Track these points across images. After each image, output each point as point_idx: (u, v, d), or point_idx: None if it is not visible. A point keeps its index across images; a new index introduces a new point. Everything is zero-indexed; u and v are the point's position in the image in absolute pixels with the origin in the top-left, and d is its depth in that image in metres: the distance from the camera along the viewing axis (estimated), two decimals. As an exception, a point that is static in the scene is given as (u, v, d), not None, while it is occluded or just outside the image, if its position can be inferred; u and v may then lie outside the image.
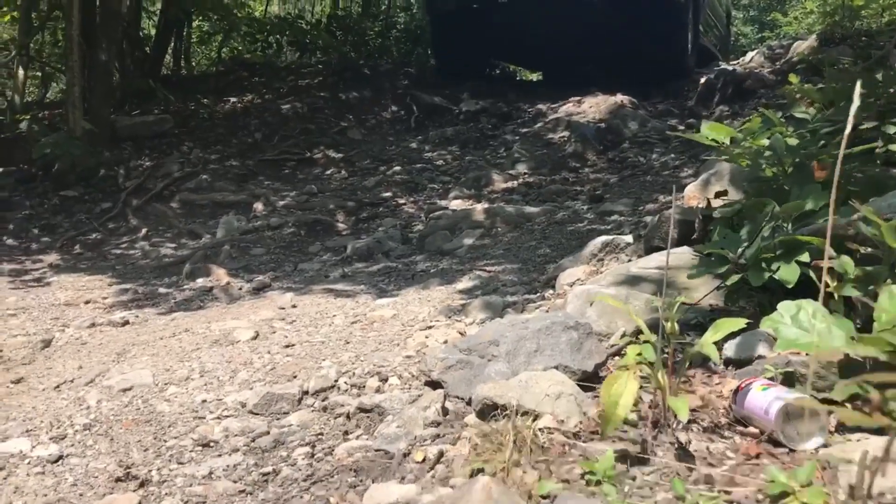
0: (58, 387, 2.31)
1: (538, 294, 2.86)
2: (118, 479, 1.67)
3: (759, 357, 1.74)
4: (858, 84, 1.41)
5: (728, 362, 1.80)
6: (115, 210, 5.19)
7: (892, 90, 2.86)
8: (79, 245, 4.79)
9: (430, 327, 2.59)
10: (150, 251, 4.56)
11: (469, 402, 1.70)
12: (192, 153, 5.99)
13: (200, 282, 3.79)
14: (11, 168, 5.93)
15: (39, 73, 9.01)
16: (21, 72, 7.26)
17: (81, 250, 4.71)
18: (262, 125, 6.53)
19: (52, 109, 7.36)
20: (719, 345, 1.68)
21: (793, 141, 2.29)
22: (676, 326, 1.38)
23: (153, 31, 8.57)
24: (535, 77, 10.31)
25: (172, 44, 8.69)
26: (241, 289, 3.56)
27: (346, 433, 1.80)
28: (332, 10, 10.51)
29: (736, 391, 1.49)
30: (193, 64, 10.03)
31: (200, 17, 9.12)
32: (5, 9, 7.79)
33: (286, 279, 3.66)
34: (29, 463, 1.78)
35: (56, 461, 1.79)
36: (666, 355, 1.39)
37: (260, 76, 7.97)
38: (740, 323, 1.45)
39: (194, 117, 6.77)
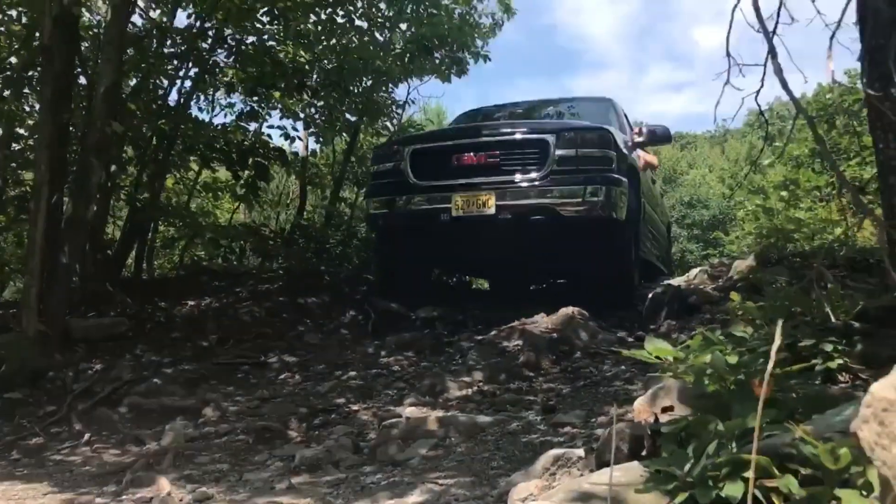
0: None
1: (490, 510, 2.81)
2: None
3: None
4: (779, 325, 1.51)
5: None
6: (60, 414, 5.04)
7: (826, 310, 3.03)
8: (17, 450, 4.60)
9: (377, 545, 2.50)
10: (92, 458, 4.39)
11: None
12: (145, 356, 5.94)
13: (140, 492, 3.63)
14: (-44, 368, 5.79)
15: (-2, 273, 9.08)
16: (-21, 271, 7.32)
17: (19, 456, 4.51)
18: (218, 328, 6.55)
19: (6, 309, 7.33)
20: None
21: (732, 359, 2.39)
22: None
23: (118, 234, 8.75)
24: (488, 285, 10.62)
25: (136, 247, 8.87)
26: (181, 500, 3.42)
27: None
28: (296, 220, 10.91)
29: None
30: (155, 266, 10.18)
31: (166, 223, 9.39)
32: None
33: (229, 490, 3.53)
34: None
35: None
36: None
37: (220, 281, 8.09)
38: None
39: (150, 320, 6.78)
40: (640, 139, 8.16)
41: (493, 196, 6.46)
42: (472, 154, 6.72)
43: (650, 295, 6.80)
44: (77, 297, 6.78)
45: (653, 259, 8.77)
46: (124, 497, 3.59)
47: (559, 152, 6.52)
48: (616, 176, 6.57)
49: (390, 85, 10.32)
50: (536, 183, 6.50)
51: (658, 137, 8.18)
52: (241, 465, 3.98)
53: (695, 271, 7.56)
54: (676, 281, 7.40)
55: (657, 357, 2.60)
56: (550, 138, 6.57)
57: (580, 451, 3.00)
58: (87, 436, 4.73)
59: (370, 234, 10.03)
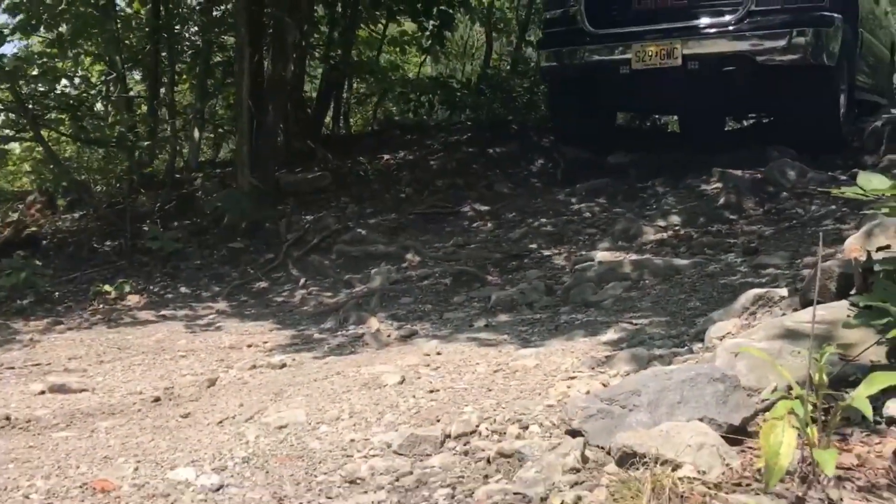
0: (220, 422, 2.47)
1: (686, 348, 2.80)
2: (272, 510, 1.77)
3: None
4: None
5: (892, 421, 1.70)
6: (277, 261, 5.51)
7: None
8: (244, 293, 5.11)
9: (572, 378, 2.58)
10: (308, 299, 4.80)
11: (609, 451, 1.69)
12: (348, 208, 6.29)
13: (353, 328, 3.96)
14: (186, 222, 6.44)
15: (212, 135, 9.80)
16: (196, 133, 7.93)
17: (246, 298, 5.02)
18: (413, 180, 6.77)
19: (223, 168, 7.95)
20: (878, 401, 1.58)
21: (963, 190, 2.14)
22: (825, 378, 1.33)
23: (314, 94, 9.11)
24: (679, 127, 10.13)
25: (332, 105, 9.22)
26: (389, 336, 3.69)
27: (486, 477, 1.82)
28: (482, 70, 10.81)
29: (897, 450, 1.41)
30: (351, 124, 10.57)
31: (358, 80, 9.63)
32: (185, 77, 8.59)
33: (432, 327, 3.76)
34: (193, 490, 1.91)
35: (217, 490, 1.92)
36: (814, 409, 1.33)
37: (412, 134, 8.29)
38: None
39: (351, 174, 7.12)
40: None
41: (680, 44, 5.74)
42: None
43: (868, 128, 6.21)
44: (283, 154, 7.22)
45: (870, 95, 7.77)
46: (339, 332, 3.93)
47: None
48: (827, 14, 5.67)
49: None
50: (731, 27, 5.72)
51: None
52: (441, 306, 4.21)
53: (924, 100, 6.76)
54: (900, 112, 6.67)
55: (872, 192, 2.39)
56: None
57: (783, 291, 2.89)
58: (302, 280, 5.16)
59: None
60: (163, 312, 4.79)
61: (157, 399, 2.83)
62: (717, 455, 1.41)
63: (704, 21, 5.81)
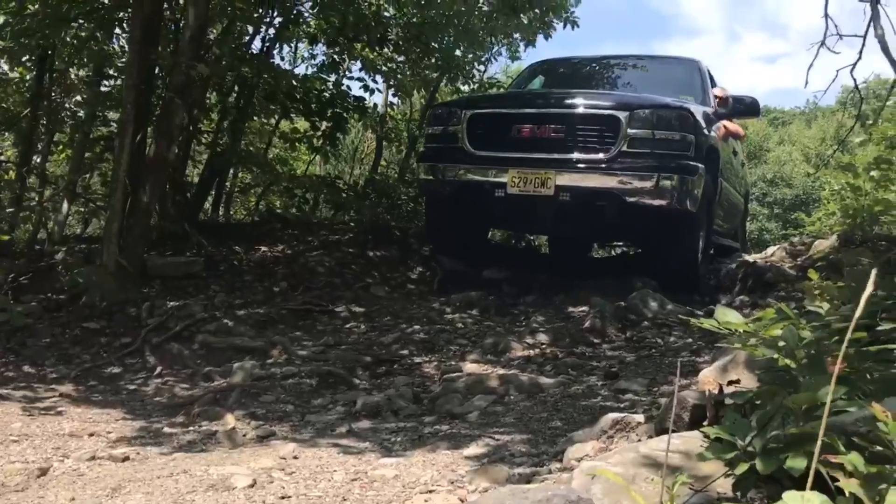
0: (46, 518, 2.26)
1: (545, 467, 2.80)
2: None
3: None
4: (874, 272, 1.44)
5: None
6: (134, 346, 5.23)
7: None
8: (94, 378, 4.81)
9: (430, 491, 2.53)
10: (163, 389, 4.56)
11: (461, 572, 1.64)
12: (217, 297, 6.09)
13: (206, 424, 3.76)
14: (40, 296, 6.06)
15: (83, 209, 9.42)
16: (65, 206, 7.60)
17: (95, 382, 4.72)
18: (289, 275, 6.66)
19: (89, 244, 7.61)
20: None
21: (806, 333, 2.30)
22: (676, 509, 1.35)
23: (196, 177, 8.96)
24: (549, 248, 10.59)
25: (214, 192, 9.08)
26: (245, 435, 3.53)
27: None
28: (370, 174, 10.99)
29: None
30: (232, 213, 10.42)
31: (244, 170, 9.58)
32: (62, 147, 8.29)
33: (292, 429, 3.62)
34: None
35: None
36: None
37: (293, 229, 8.22)
38: (742, 512, 1.41)
39: (224, 262, 6.95)
40: (725, 111, 7.33)
41: (553, 174, 5.92)
42: (533, 126, 6.14)
43: (724, 269, 6.64)
44: (155, 236, 6.99)
45: (725, 239, 8.33)
46: (191, 428, 3.72)
47: (631, 131, 5.88)
48: (693, 163, 5.97)
49: (472, 43, 10.16)
50: (603, 164, 5.91)
51: (746, 109, 7.37)
52: (304, 407, 4.08)
53: (773, 249, 7.34)
54: (753, 258, 7.19)
55: (727, 328, 2.53)
56: (622, 115, 5.93)
57: (640, 417, 2.96)
58: (158, 369, 4.91)
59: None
60: (0, 391, 4.42)
61: (-25, 488, 2.57)
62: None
63: (578, 155, 6.01)
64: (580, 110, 6.22)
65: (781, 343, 2.40)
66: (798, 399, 1.93)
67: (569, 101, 6.44)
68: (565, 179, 5.94)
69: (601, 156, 5.94)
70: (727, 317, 2.51)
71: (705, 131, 6.34)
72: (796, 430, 1.83)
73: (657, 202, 5.84)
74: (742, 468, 1.91)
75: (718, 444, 2.03)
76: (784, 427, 1.90)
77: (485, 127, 6.40)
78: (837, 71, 4.80)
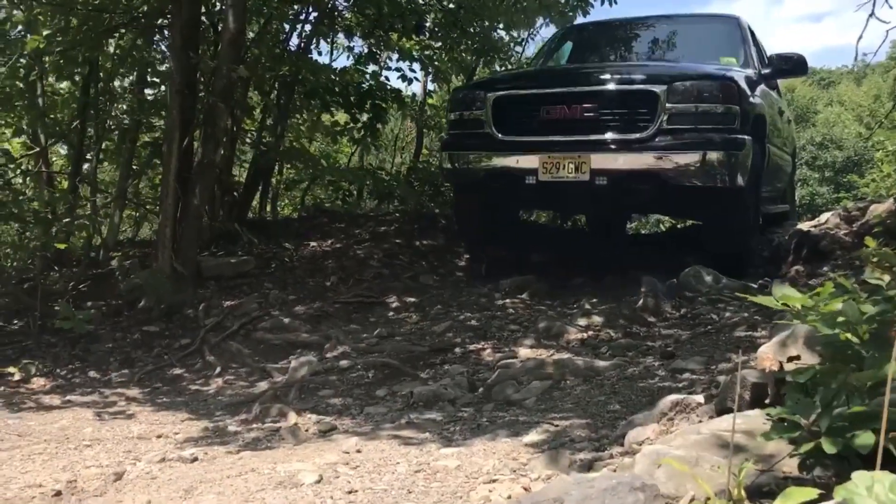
0: (126, 521, 2.34)
1: (607, 451, 2.81)
2: None
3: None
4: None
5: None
6: (193, 346, 5.36)
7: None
8: (157, 379, 4.94)
9: (494, 480, 2.56)
10: (224, 388, 4.66)
11: (531, 562, 1.67)
12: (271, 294, 6.20)
13: (269, 422, 3.85)
14: (99, 302, 6.23)
15: (135, 214, 9.63)
16: (117, 213, 7.77)
17: (159, 384, 4.85)
18: (338, 269, 6.75)
19: (142, 248, 7.79)
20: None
21: (867, 308, 2.27)
22: (743, 493, 1.36)
23: (243, 178, 9.10)
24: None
25: (260, 190, 9.21)
26: (307, 430, 3.60)
27: (404, 587, 1.77)
28: (412, 163, 11.02)
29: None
30: (279, 209, 10.55)
31: (288, 167, 9.68)
32: (111, 155, 8.47)
33: (353, 423, 3.69)
34: None
35: None
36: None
37: (340, 222, 8.31)
38: (812, 493, 1.41)
39: (275, 260, 7.06)
40: (769, 70, 6.95)
41: (588, 158, 5.61)
42: (563, 106, 5.78)
43: (776, 240, 6.52)
44: (207, 237, 7.12)
45: (774, 205, 7.86)
46: (255, 425, 3.81)
47: (670, 106, 5.53)
48: (739, 137, 5.62)
49: (508, 24, 10.08)
50: (642, 144, 5.58)
51: (793, 67, 6.88)
52: (362, 400, 4.14)
53: (826, 215, 7.15)
54: (806, 225, 7.04)
55: (784, 304, 2.50)
56: (660, 90, 5.57)
57: (699, 398, 2.95)
58: (218, 368, 5.02)
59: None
60: (69, 397, 4.57)
61: (58, 493, 2.68)
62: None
63: (614, 136, 5.68)
64: (613, 86, 5.89)
65: (842, 318, 2.37)
66: (862, 376, 1.91)
67: (601, 77, 6.10)
68: (601, 162, 5.63)
69: (639, 135, 5.61)
70: (785, 292, 2.48)
71: (750, 99, 6.00)
72: (862, 408, 1.81)
73: (703, 181, 5.53)
74: (807, 447, 1.90)
75: (782, 424, 2.02)
76: (849, 405, 1.88)
77: (510, 109, 6.10)
78: (887, 31, 4.67)
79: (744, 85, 5.91)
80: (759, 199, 6.49)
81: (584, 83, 6.08)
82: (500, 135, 6.03)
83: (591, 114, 5.73)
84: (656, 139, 5.58)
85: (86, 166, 8.19)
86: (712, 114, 5.59)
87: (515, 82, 6.79)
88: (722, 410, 2.69)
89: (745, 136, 5.72)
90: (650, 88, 5.66)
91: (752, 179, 5.95)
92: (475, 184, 6.31)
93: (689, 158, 5.52)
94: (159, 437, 3.67)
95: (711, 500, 1.47)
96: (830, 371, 2.02)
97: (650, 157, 5.57)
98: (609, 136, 5.70)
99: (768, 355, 3.03)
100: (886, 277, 2.45)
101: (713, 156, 5.50)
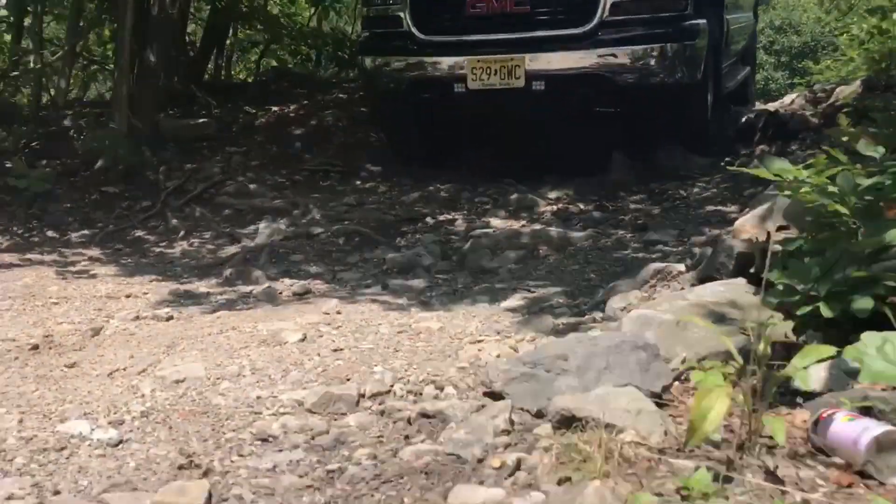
0: (111, 374, 2.32)
1: (587, 317, 2.85)
2: (181, 467, 1.67)
3: (831, 390, 1.73)
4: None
5: (795, 393, 1.79)
6: (155, 209, 5.22)
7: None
8: (118, 241, 4.82)
9: (479, 341, 2.58)
10: (190, 251, 4.58)
11: (537, 415, 1.69)
12: (233, 159, 6.03)
13: (240, 284, 3.80)
14: (55, 161, 5.99)
15: (82, 73, 9.15)
16: (66, 69, 7.38)
17: (121, 246, 4.73)
18: (303, 136, 6.57)
19: (94, 107, 7.45)
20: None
21: (863, 179, 2.27)
22: (769, 350, 1.37)
23: (198, 37, 8.67)
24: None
25: (215, 51, 8.80)
26: (281, 293, 3.57)
27: (407, 437, 1.79)
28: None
29: (816, 421, 1.47)
30: (234, 72, 10.15)
31: (245, 28, 9.24)
32: (55, 11, 7.95)
33: (327, 287, 3.66)
34: (90, 445, 1.79)
35: (116, 445, 1.80)
36: (755, 379, 1.37)
37: (301, 87, 8.03)
38: (830, 350, 1.43)
39: (236, 124, 6.83)
40: None
41: (522, 60, 4.97)
42: None
43: (743, 120, 6.53)
44: (163, 98, 6.83)
45: (733, 76, 6.91)
46: (226, 288, 3.76)
47: None
48: (693, 22, 5.02)
49: None
50: (582, 40, 4.95)
51: None
52: (334, 265, 4.10)
53: (791, 96, 7.18)
54: (772, 106, 7.06)
55: (777, 175, 2.49)
56: None
57: (680, 267, 2.99)
58: (182, 231, 4.91)
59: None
60: (28, 256, 4.44)
61: (35, 347, 2.62)
62: (658, 420, 1.44)
63: (550, 32, 5.02)
64: None
65: (832, 189, 2.38)
66: (863, 243, 1.93)
67: None
68: (537, 64, 4.98)
69: (578, 30, 4.95)
70: (779, 164, 2.47)
71: None
72: (863, 273, 1.83)
73: (654, 79, 4.98)
74: (804, 310, 1.93)
75: (778, 290, 2.05)
76: (847, 271, 1.91)
77: (432, 3, 5.35)
78: None
79: None
80: (718, 78, 5.94)
81: None
82: (420, 34, 5.28)
83: (523, 6, 5.02)
84: (598, 33, 4.96)
85: (27, 20, 7.68)
86: (660, 0, 5.02)
87: None
88: (704, 279, 2.72)
89: (700, 21, 5.12)
90: None
91: (710, 64, 5.41)
92: (397, 92, 5.55)
93: (637, 54, 4.95)
94: (128, 296, 3.60)
95: (735, 359, 1.47)
96: (829, 239, 2.04)
97: (593, 56, 4.98)
98: (545, 32, 5.03)
99: (747, 227, 3.07)
100: (881, 149, 2.45)
101: (664, 49, 4.95)
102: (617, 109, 5.40)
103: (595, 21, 4.93)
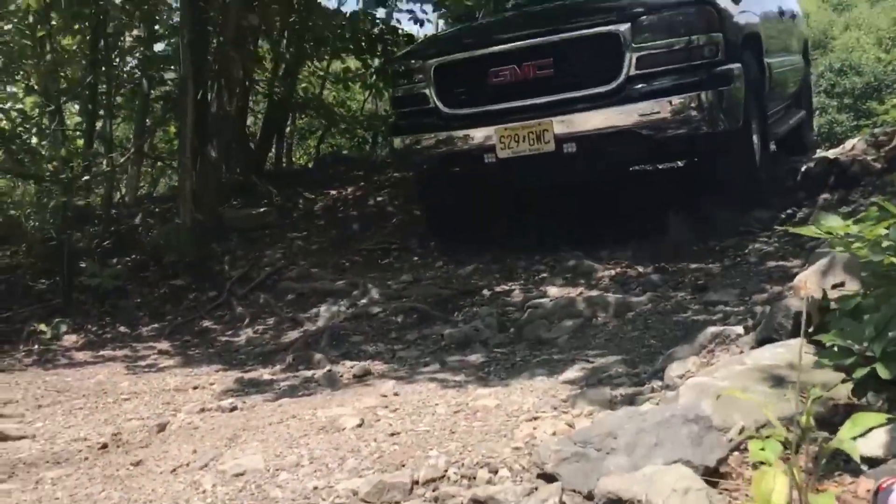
0: (174, 470, 2.37)
1: (647, 386, 2.80)
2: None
3: (893, 456, 1.66)
4: None
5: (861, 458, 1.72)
6: (221, 299, 5.38)
7: None
8: (186, 332, 4.97)
9: (536, 418, 2.55)
10: (254, 339, 4.69)
11: (588, 497, 1.66)
12: (294, 244, 6.20)
13: (303, 369, 3.87)
14: (125, 259, 6.26)
15: (150, 170, 9.60)
16: (134, 168, 7.76)
17: (189, 337, 4.88)
18: (360, 217, 6.72)
19: (161, 203, 7.78)
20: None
21: (915, 230, 2.21)
22: (812, 421, 1.33)
23: (257, 129, 9.02)
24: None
25: (275, 140, 9.14)
26: (342, 376, 3.61)
27: (460, 525, 1.78)
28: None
29: (876, 492, 1.41)
30: (294, 159, 10.50)
31: (302, 116, 9.60)
32: (122, 110, 8.41)
33: (386, 367, 3.69)
34: (151, 545, 1.82)
35: (176, 544, 1.82)
36: (802, 452, 1.33)
37: (357, 170, 8.25)
38: (881, 417, 1.38)
39: (296, 209, 7.04)
40: None
41: (551, 124, 4.84)
42: (512, 66, 4.97)
43: (802, 168, 6.40)
44: (226, 190, 7.10)
45: (784, 123, 6.82)
46: (289, 373, 3.83)
47: (638, 47, 4.74)
48: (726, 68, 4.81)
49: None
50: (610, 97, 4.80)
51: None
52: (393, 344, 4.14)
53: (852, 141, 6.99)
54: (832, 152, 6.91)
55: (828, 233, 2.44)
56: (622, 29, 4.75)
57: (739, 329, 2.92)
58: (247, 319, 5.04)
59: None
60: (101, 353, 4.63)
61: (104, 446, 2.71)
62: (706, 500, 1.40)
63: (576, 93, 4.89)
64: (567, 34, 4.97)
65: (887, 243, 2.32)
66: (918, 299, 1.86)
67: (550, 24, 5.14)
68: (565, 126, 4.85)
69: (606, 87, 4.82)
70: (830, 221, 2.43)
71: (734, 18, 5.13)
72: (919, 332, 1.77)
73: (689, 129, 4.77)
74: (861, 373, 1.87)
75: (833, 351, 1.99)
76: (904, 329, 1.84)
77: (454, 77, 5.28)
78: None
79: (723, 3, 5.02)
80: (764, 123, 5.70)
81: (531, 35, 5.10)
82: (446, 109, 5.25)
83: (546, 70, 4.93)
84: (626, 89, 4.81)
85: (100, 123, 8.12)
86: (690, 48, 4.79)
87: (454, 44, 5.67)
88: (763, 340, 2.66)
89: (734, 66, 4.91)
90: (610, 29, 4.84)
91: (750, 107, 5.19)
92: (430, 169, 5.54)
93: (669, 106, 4.74)
94: (195, 388, 3.70)
95: (777, 429, 1.44)
96: (883, 296, 1.98)
97: (622, 112, 4.80)
98: (571, 94, 4.90)
99: (807, 284, 2.99)
100: (933, 199, 2.38)
101: (698, 97, 4.74)
102: (656, 166, 5.27)
103: (622, 77, 4.80)
